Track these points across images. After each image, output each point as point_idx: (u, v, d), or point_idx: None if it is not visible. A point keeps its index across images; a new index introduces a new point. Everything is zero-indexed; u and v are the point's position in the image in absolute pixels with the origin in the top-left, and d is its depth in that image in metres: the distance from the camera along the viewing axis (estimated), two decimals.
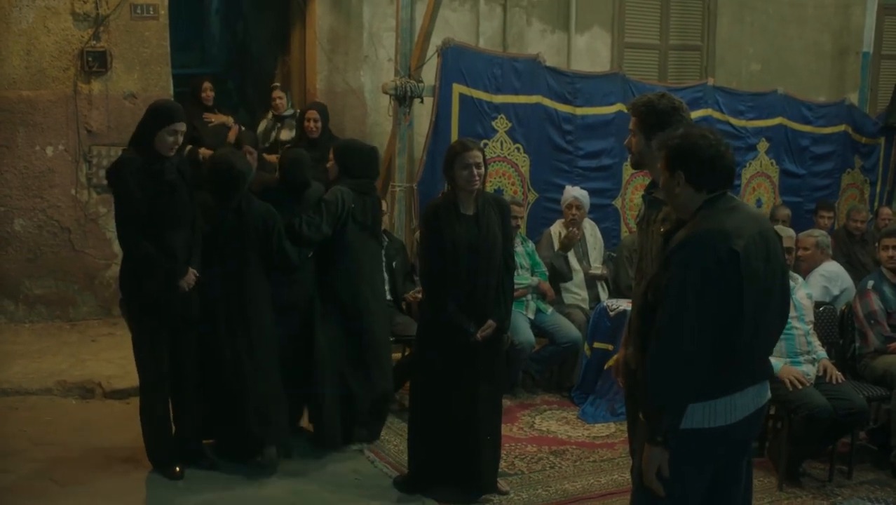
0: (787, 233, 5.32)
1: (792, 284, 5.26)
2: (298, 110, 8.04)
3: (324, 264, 5.19)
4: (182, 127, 4.58)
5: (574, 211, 6.80)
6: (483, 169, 4.57)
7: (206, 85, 8.22)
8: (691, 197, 3.06)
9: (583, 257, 6.89)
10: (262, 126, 8.31)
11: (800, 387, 4.95)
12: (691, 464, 3.00)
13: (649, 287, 3.12)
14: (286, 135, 7.96)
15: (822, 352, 5.28)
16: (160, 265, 4.56)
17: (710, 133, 3.10)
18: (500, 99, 7.10)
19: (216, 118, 8.01)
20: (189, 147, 6.93)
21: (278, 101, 8.13)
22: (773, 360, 5.03)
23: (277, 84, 8.50)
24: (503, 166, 7.16)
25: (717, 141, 3.06)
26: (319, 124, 7.09)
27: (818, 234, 6.46)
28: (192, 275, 4.64)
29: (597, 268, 6.94)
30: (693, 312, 2.90)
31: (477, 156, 4.55)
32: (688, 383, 2.92)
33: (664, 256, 3.05)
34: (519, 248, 6.33)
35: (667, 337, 2.93)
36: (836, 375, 5.18)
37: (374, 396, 5.27)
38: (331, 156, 5.35)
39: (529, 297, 6.46)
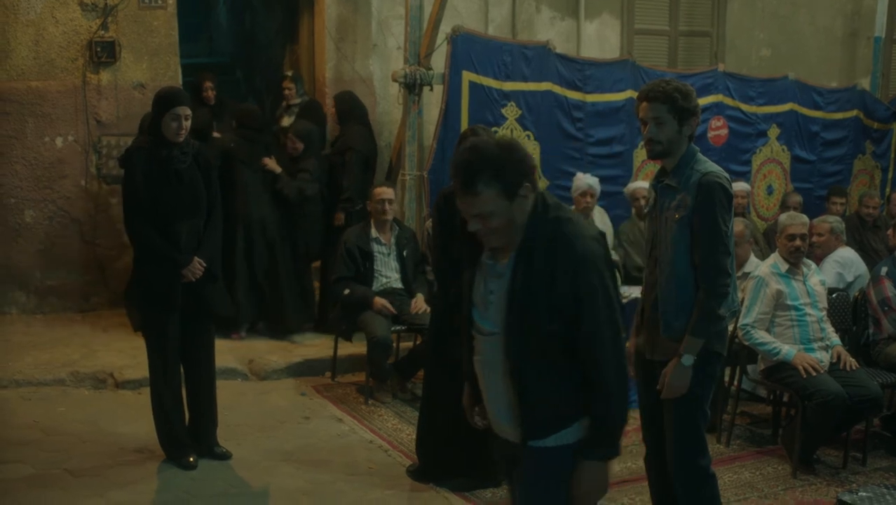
0: (800, 219, 5.28)
1: (805, 270, 5.25)
2: (307, 98, 8.07)
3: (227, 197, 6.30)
4: (185, 111, 4.56)
5: (588, 199, 6.77)
6: None
7: (207, 84, 8.19)
8: None
9: None
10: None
11: (813, 373, 4.93)
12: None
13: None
14: (286, 121, 8.00)
15: (835, 338, 5.26)
16: (162, 254, 4.56)
17: None
18: (509, 86, 7.06)
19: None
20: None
21: (286, 91, 8.13)
22: (786, 346, 5.04)
23: (289, 73, 8.47)
24: None
25: None
26: (333, 109, 7.25)
27: (833, 220, 6.42)
28: (197, 265, 4.62)
29: None
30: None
31: None
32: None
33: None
34: None
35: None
36: (850, 361, 5.15)
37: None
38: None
39: None
